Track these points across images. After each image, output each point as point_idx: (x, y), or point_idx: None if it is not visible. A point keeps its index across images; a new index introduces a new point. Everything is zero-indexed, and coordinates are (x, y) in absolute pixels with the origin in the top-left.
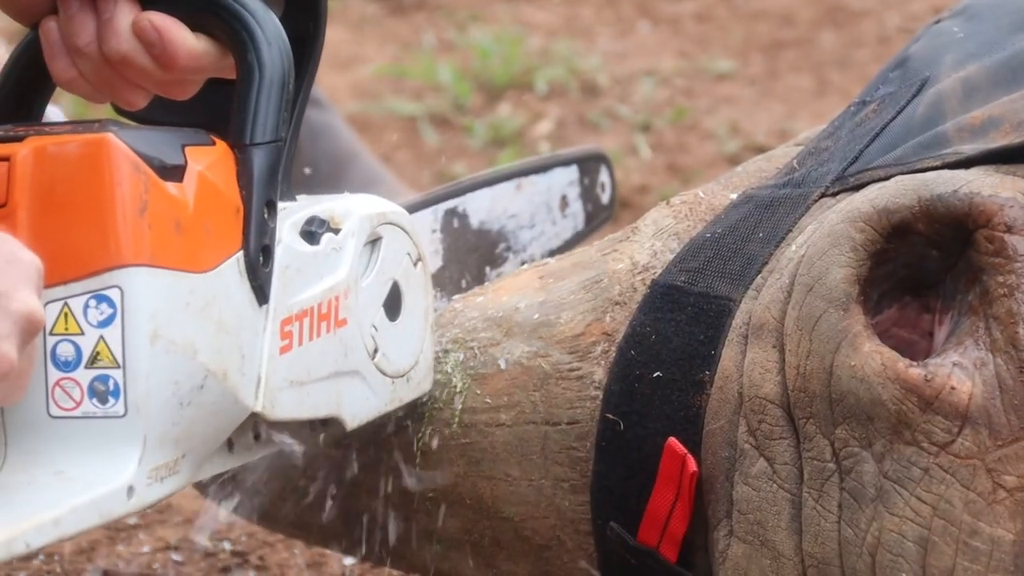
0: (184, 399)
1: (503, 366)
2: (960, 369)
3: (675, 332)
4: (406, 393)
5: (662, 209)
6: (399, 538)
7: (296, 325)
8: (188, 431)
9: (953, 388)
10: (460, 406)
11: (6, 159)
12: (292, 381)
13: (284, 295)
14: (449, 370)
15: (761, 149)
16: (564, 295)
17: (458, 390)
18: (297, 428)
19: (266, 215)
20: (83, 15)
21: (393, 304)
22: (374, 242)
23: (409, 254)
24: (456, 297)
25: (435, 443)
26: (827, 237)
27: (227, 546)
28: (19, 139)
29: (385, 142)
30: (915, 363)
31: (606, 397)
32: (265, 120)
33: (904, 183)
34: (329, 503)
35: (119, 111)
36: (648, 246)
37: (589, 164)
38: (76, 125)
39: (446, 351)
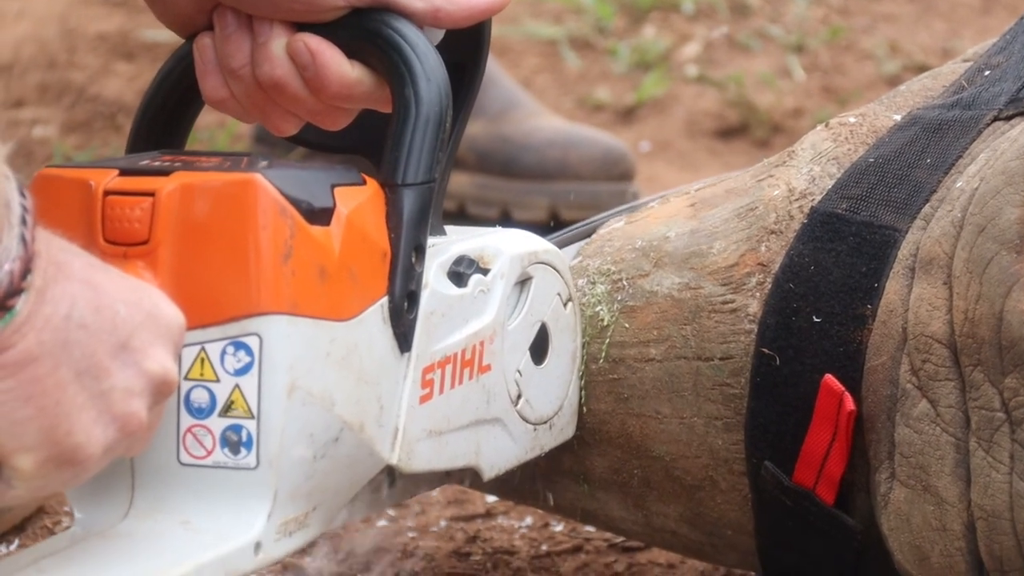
0: (318, 452)
1: (653, 298)
2: None
3: (835, 263)
4: (548, 441)
5: (820, 132)
6: (544, 477)
7: (438, 373)
8: (320, 484)
9: None
10: (608, 340)
11: (151, 194)
12: (431, 431)
13: (427, 342)
14: (596, 303)
15: (922, 69)
16: (716, 223)
17: (605, 323)
18: (431, 477)
19: (413, 259)
20: (239, 36)
21: (540, 347)
22: (523, 282)
23: (560, 294)
24: (602, 226)
25: (582, 379)
26: (1001, 175)
27: None
28: (166, 173)
29: (525, 67)
30: None
31: (761, 331)
32: (419, 160)
33: None
34: None
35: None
36: (806, 171)
37: None
38: (224, 160)
39: (592, 282)
